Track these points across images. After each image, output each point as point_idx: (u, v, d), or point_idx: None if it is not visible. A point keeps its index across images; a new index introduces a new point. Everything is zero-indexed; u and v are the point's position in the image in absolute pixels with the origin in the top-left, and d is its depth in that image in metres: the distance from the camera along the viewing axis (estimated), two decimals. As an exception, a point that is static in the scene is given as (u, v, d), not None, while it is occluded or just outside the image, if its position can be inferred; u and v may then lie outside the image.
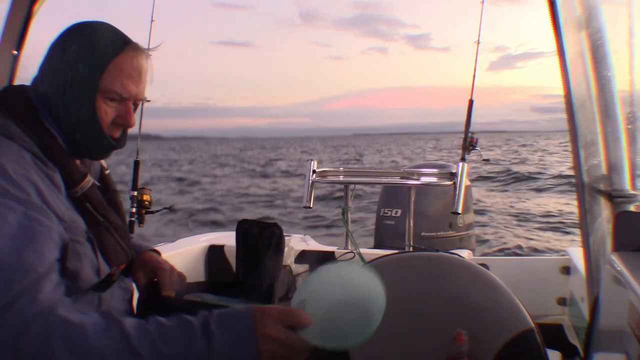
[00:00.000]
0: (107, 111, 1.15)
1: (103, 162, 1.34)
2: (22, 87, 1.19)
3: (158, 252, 1.44)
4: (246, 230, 2.17)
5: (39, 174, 1.05)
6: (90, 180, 1.17)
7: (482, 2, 3.56)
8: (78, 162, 1.20)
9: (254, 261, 2.13)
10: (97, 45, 1.13)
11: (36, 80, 1.18)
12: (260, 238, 2.13)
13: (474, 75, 3.65)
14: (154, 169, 30.91)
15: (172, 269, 1.39)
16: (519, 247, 8.19)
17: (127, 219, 2.52)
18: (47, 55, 1.16)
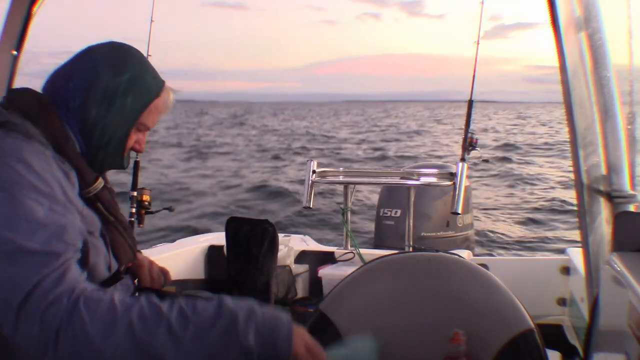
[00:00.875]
0: (132, 139, 1.26)
1: None
2: (28, 89, 1.21)
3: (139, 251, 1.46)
4: (236, 229, 2.17)
5: (59, 170, 1.09)
6: (101, 182, 1.21)
7: (482, 2, 3.56)
8: None
9: (245, 259, 2.13)
10: (146, 81, 1.23)
11: (69, 87, 1.19)
12: (252, 236, 2.13)
13: (474, 75, 3.65)
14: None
15: (151, 263, 1.44)
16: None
17: (127, 218, 2.53)
18: (91, 70, 1.19)
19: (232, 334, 0.96)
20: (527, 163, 16.87)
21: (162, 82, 1.28)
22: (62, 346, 0.90)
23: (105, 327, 0.92)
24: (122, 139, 1.23)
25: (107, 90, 1.18)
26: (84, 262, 1.07)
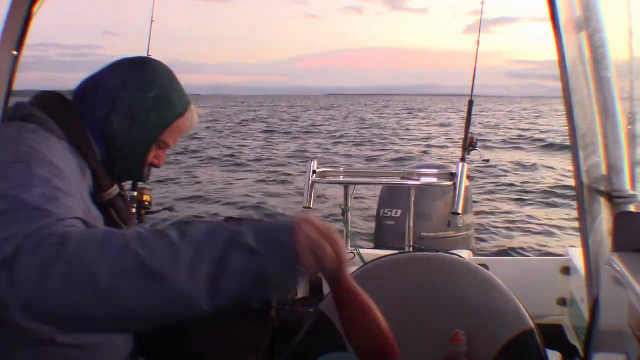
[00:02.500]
0: (152, 154, 1.27)
1: None
2: (56, 92, 1.24)
3: None
4: None
5: (76, 165, 1.11)
6: (116, 189, 1.23)
7: (482, 2, 3.56)
8: None
9: None
10: (171, 100, 1.25)
11: (97, 95, 1.21)
12: None
13: (474, 75, 3.65)
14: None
15: None
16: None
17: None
18: (120, 82, 1.21)
19: (231, 238, 0.84)
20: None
21: (188, 103, 1.29)
22: (55, 277, 0.76)
23: (101, 245, 0.79)
24: (143, 153, 1.25)
25: (133, 104, 1.21)
26: None
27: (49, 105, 1.17)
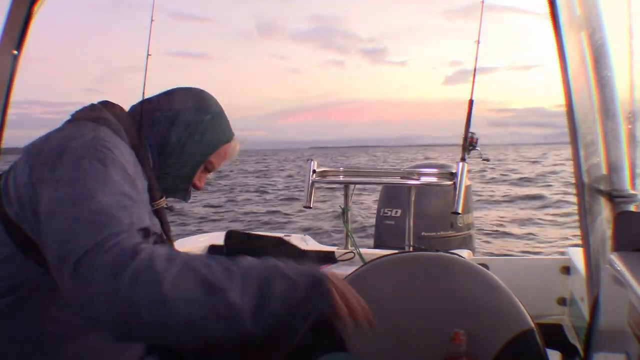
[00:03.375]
0: (198, 175, 1.38)
1: None
2: (117, 105, 1.31)
3: None
4: (242, 244, 2.10)
5: (141, 173, 1.20)
6: (165, 200, 1.32)
7: (482, 2, 3.55)
8: None
9: None
10: (222, 125, 1.39)
11: (157, 114, 1.32)
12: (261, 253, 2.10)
13: (474, 75, 3.64)
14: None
15: None
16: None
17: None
18: (180, 104, 1.34)
19: (275, 268, 0.98)
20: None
21: (233, 133, 1.42)
22: (128, 295, 0.83)
23: (169, 260, 0.88)
24: (193, 169, 1.35)
25: (190, 124, 1.33)
26: None
27: (116, 112, 1.25)
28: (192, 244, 2.65)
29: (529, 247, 9.09)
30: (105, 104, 1.27)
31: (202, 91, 1.41)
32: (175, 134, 1.32)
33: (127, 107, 1.34)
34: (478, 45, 3.54)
